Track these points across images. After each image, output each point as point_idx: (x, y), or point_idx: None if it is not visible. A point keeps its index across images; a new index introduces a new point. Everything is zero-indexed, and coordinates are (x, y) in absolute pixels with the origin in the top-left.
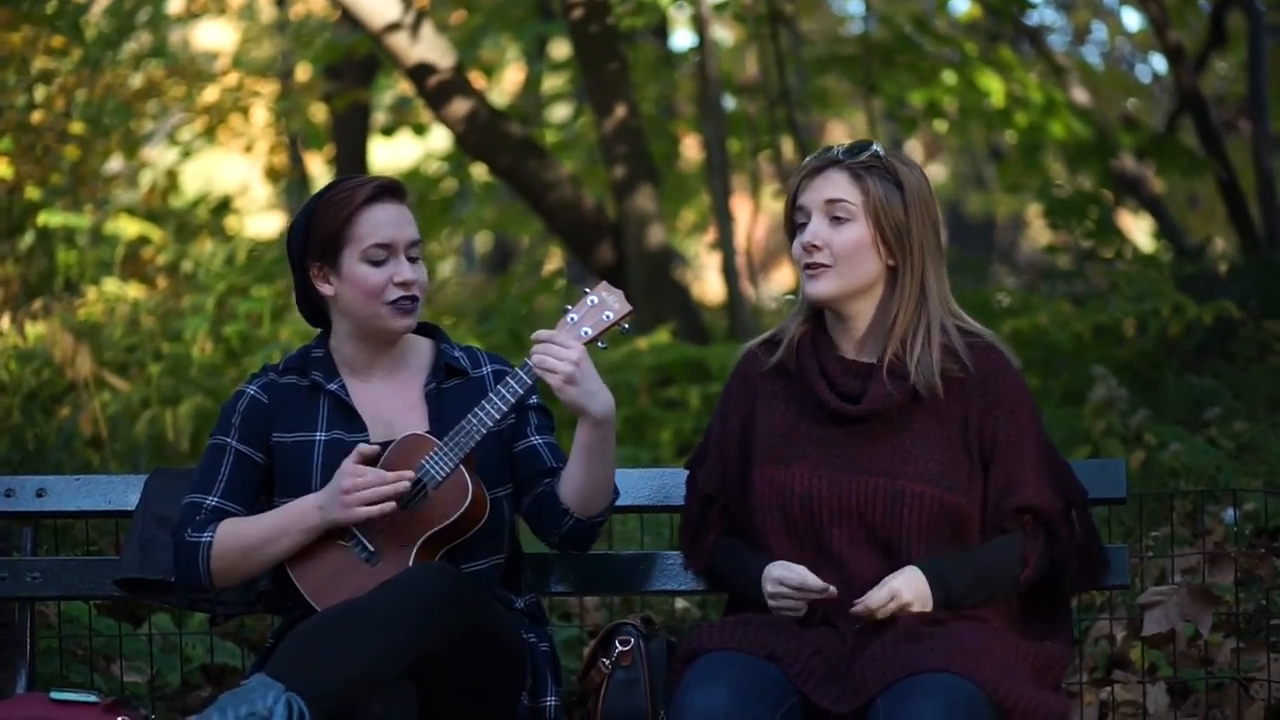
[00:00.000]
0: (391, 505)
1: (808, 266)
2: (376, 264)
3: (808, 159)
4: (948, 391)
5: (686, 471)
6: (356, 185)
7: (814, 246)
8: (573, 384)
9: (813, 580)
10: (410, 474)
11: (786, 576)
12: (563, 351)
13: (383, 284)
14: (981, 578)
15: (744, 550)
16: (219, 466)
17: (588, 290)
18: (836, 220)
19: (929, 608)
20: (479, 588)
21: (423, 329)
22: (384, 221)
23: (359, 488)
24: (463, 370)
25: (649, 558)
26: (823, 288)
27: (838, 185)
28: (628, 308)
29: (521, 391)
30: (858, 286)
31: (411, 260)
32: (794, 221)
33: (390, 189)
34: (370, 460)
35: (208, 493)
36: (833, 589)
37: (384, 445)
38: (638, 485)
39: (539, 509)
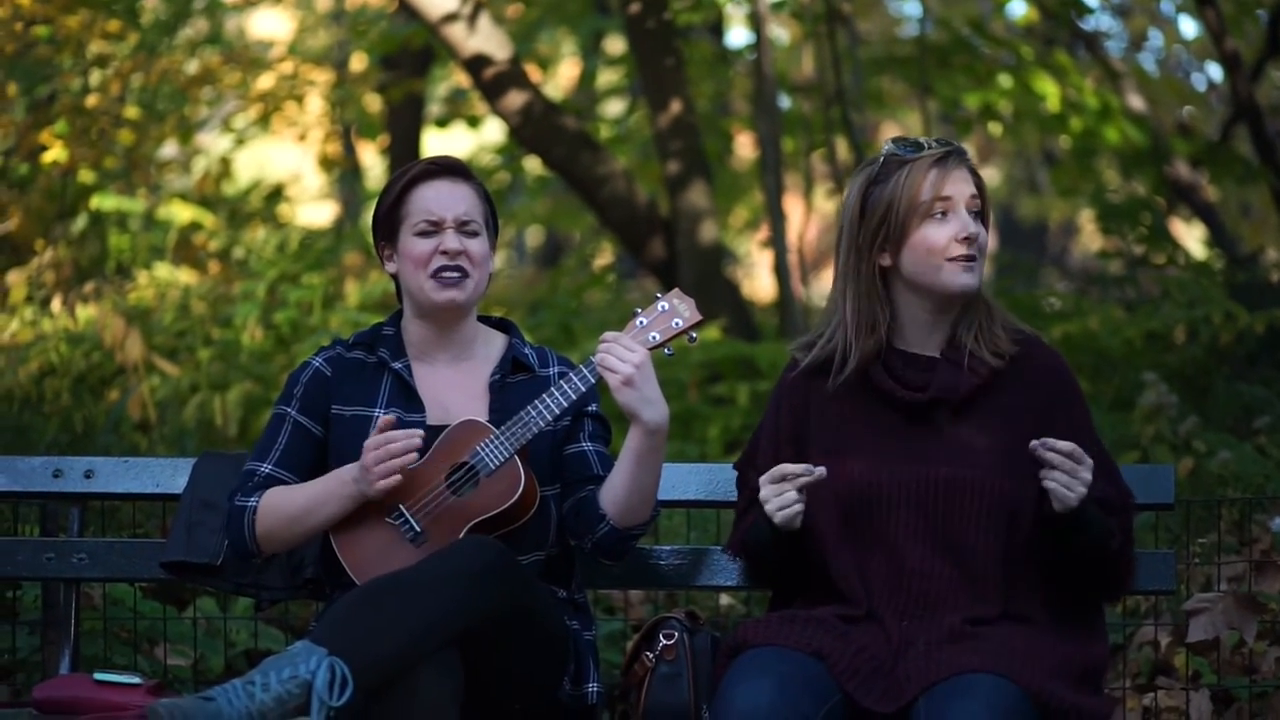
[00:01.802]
0: (407, 461)
1: (966, 258)
2: (425, 236)
3: (934, 148)
4: (1009, 382)
5: (735, 470)
6: (415, 164)
7: (975, 238)
8: (631, 386)
9: (790, 467)
10: (419, 432)
11: (769, 476)
12: (626, 353)
13: (428, 254)
14: (1099, 530)
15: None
16: (277, 436)
17: (659, 295)
18: (976, 215)
19: (1077, 502)
20: (525, 568)
21: (499, 324)
22: (433, 197)
23: (379, 459)
24: (530, 367)
25: (695, 552)
26: (974, 280)
27: (970, 180)
28: (698, 316)
29: (584, 389)
30: None
31: (466, 235)
32: (930, 211)
33: (445, 166)
34: (390, 429)
35: (263, 460)
36: (821, 470)
37: (439, 429)
38: (685, 480)
39: (577, 512)
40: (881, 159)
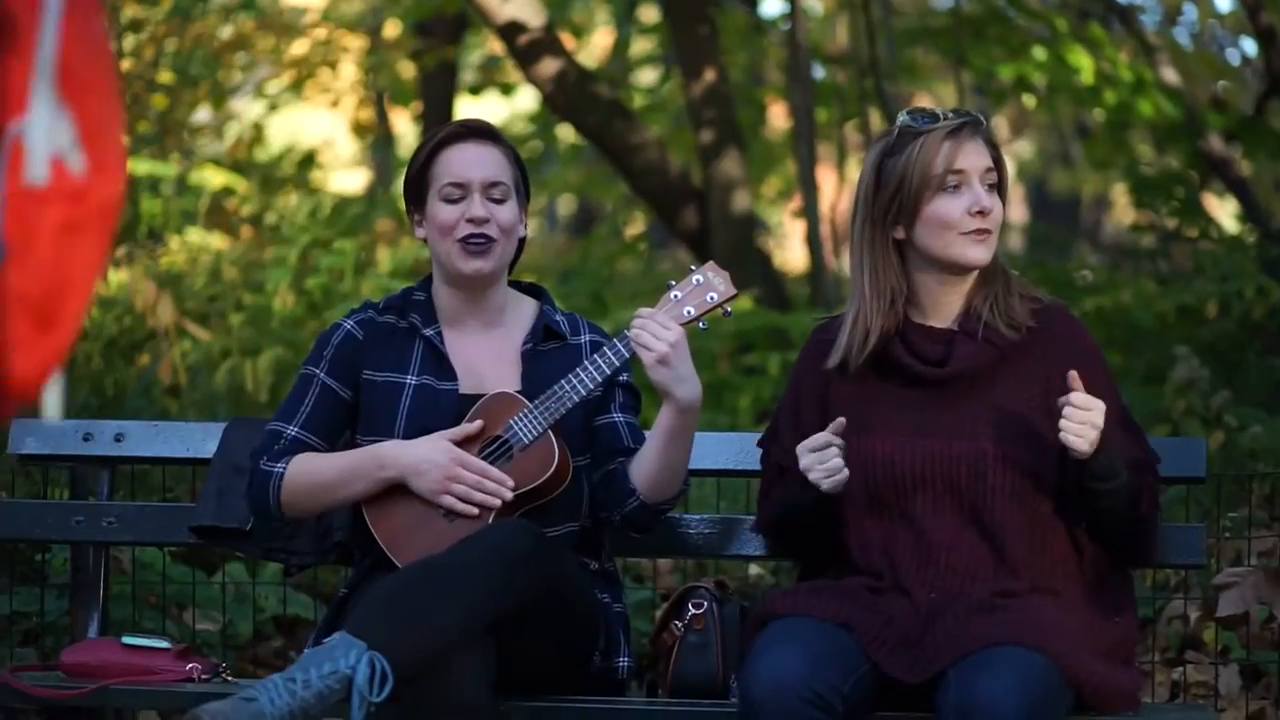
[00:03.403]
0: (470, 512)
1: (978, 231)
2: (452, 202)
3: (949, 119)
4: (1028, 353)
5: (758, 445)
6: (443, 128)
7: (989, 210)
8: (665, 365)
9: (826, 435)
10: (509, 489)
11: (809, 444)
12: (661, 331)
13: (454, 221)
14: (1125, 480)
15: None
16: (304, 397)
17: (694, 268)
18: (991, 188)
19: (1089, 448)
20: (557, 546)
21: (530, 289)
22: (459, 160)
23: (465, 482)
24: (561, 335)
25: (724, 522)
26: (986, 253)
27: (985, 153)
28: (733, 291)
29: (618, 364)
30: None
31: (496, 201)
32: (942, 184)
33: (473, 130)
34: (470, 440)
35: (289, 422)
36: (841, 420)
37: (472, 399)
38: (716, 450)
39: (607, 485)
40: (896, 131)
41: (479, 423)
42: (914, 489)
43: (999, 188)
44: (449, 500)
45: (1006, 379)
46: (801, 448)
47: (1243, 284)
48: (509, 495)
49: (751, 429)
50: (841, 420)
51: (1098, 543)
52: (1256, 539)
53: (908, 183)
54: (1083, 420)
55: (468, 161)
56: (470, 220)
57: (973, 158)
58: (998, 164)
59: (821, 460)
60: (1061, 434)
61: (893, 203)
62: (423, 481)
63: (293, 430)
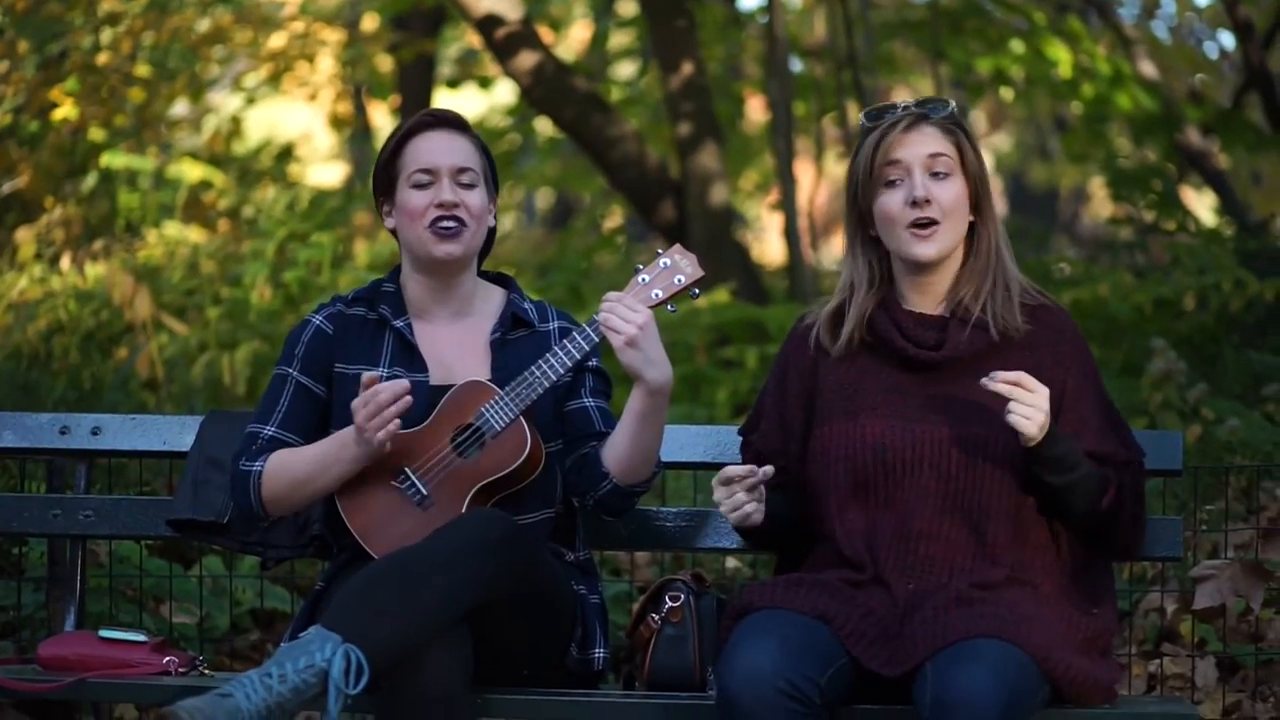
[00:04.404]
0: (400, 408)
1: (917, 224)
2: (421, 188)
3: (877, 115)
4: (1020, 341)
5: (739, 434)
6: (412, 118)
7: (925, 201)
8: (634, 347)
9: (735, 469)
10: (405, 383)
11: (718, 478)
12: (629, 313)
13: (424, 206)
14: (1083, 474)
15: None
16: (279, 397)
17: (661, 251)
18: (937, 175)
19: (1039, 432)
20: (531, 536)
21: (497, 279)
22: (427, 148)
23: (369, 414)
24: (529, 322)
25: (701, 515)
26: (931, 248)
27: (935, 140)
28: (700, 272)
29: (587, 348)
30: (956, 243)
31: (463, 187)
32: (884, 179)
33: (441, 118)
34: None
35: (266, 422)
36: (768, 469)
37: (442, 389)
38: (692, 443)
39: (580, 469)
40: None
41: (376, 373)
42: (902, 473)
43: (976, 178)
44: (379, 436)
45: (996, 366)
46: (715, 480)
47: (1220, 277)
48: (402, 387)
49: (729, 422)
50: (769, 470)
51: (1076, 536)
52: (1233, 531)
53: (859, 183)
54: (1032, 404)
55: (436, 149)
56: (440, 205)
57: (912, 147)
58: (962, 150)
59: (727, 495)
60: (1009, 416)
61: (855, 204)
62: (359, 444)
63: (270, 430)
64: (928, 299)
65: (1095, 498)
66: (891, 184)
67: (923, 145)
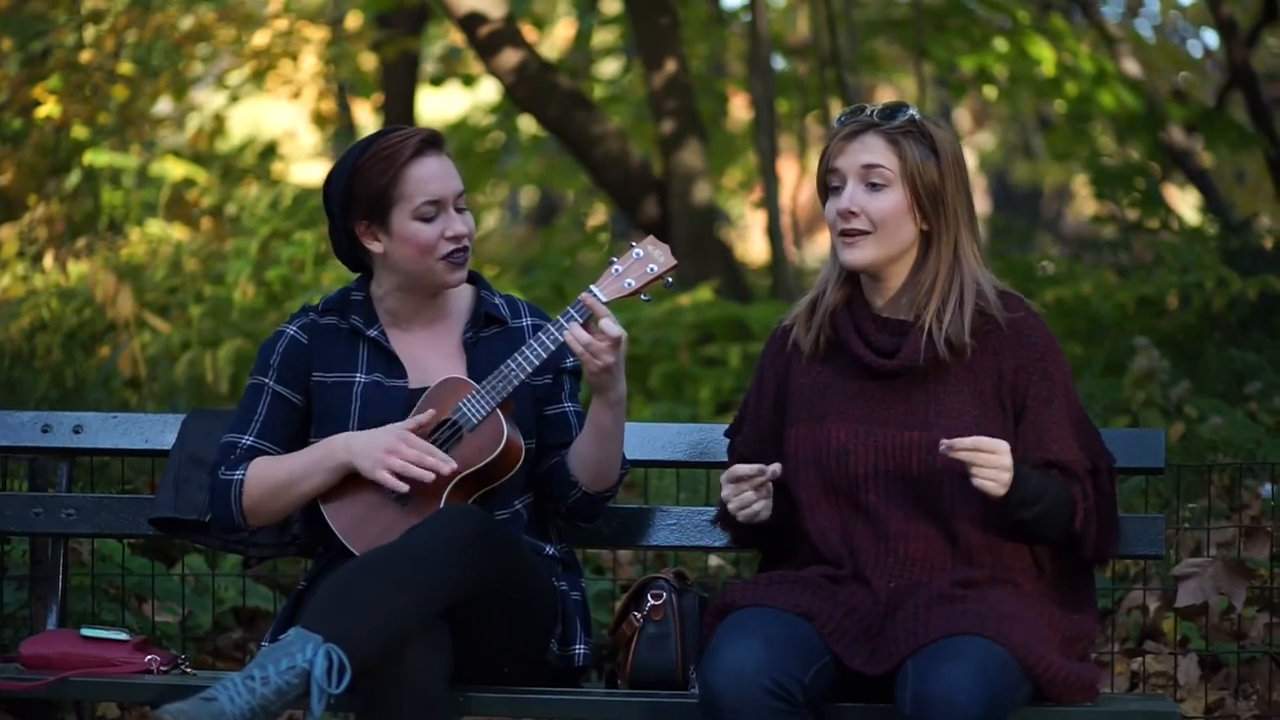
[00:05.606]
0: (425, 479)
1: (844, 233)
2: (428, 220)
3: (841, 120)
4: (982, 346)
5: (725, 435)
6: (400, 141)
7: (850, 213)
8: (609, 372)
9: (743, 468)
10: (453, 464)
11: (726, 475)
12: (606, 338)
13: (435, 240)
14: (1050, 501)
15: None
16: (256, 406)
17: (634, 243)
18: (873, 186)
19: (1004, 488)
20: (509, 532)
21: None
22: (430, 177)
23: (404, 457)
24: (502, 320)
25: (684, 513)
26: (859, 255)
27: (874, 150)
28: (672, 262)
29: (562, 339)
30: (894, 253)
31: (459, 211)
32: (828, 185)
33: (433, 141)
34: (423, 432)
35: (244, 432)
36: (775, 467)
37: (422, 392)
38: (675, 441)
39: (551, 478)
40: None
41: (431, 411)
42: (867, 478)
43: (926, 188)
44: (383, 475)
45: (960, 371)
46: (723, 477)
47: (1203, 275)
48: (447, 469)
49: (712, 420)
50: (776, 468)
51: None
52: (1216, 529)
53: (818, 185)
54: (995, 465)
55: (437, 177)
56: (452, 238)
57: (849, 157)
58: (905, 160)
59: (736, 493)
60: (974, 480)
61: (824, 203)
62: (365, 461)
63: (248, 439)
64: (888, 301)
65: (1066, 523)
66: (834, 190)
67: (859, 155)
